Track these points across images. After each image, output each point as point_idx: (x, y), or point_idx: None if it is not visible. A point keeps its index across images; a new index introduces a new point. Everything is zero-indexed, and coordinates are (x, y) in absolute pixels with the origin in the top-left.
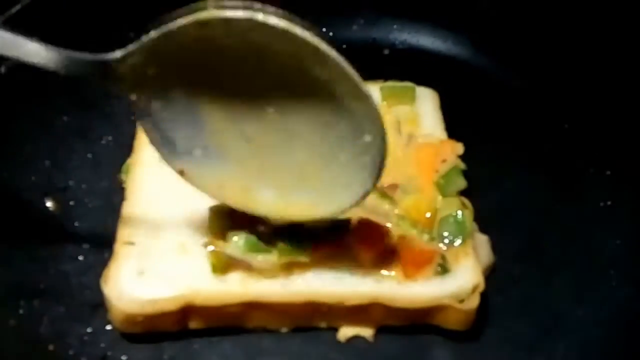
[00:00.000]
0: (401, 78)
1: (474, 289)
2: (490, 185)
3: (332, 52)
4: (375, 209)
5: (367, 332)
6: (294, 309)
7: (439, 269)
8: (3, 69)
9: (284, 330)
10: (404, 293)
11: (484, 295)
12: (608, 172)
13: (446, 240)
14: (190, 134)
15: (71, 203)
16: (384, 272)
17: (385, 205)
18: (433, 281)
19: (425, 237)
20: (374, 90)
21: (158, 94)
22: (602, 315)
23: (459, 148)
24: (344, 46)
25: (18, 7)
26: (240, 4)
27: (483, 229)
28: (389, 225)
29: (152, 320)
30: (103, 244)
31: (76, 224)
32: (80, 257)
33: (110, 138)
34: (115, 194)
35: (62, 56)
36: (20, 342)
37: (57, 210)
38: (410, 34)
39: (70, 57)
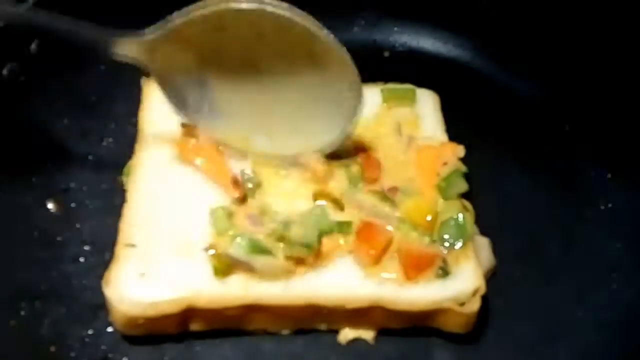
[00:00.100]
0: (401, 80)
1: (475, 292)
2: (491, 188)
3: (324, 33)
4: (376, 211)
5: (367, 335)
6: (294, 312)
7: (440, 271)
8: (5, 72)
9: (285, 332)
10: (405, 296)
11: (484, 298)
12: (609, 175)
13: (447, 243)
14: (200, 95)
15: (72, 205)
16: (384, 274)
17: (386, 208)
18: (434, 284)
19: (426, 240)
20: (374, 92)
21: (174, 65)
22: (602, 317)
23: (460, 151)
24: (345, 48)
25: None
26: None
27: (484, 232)
28: (389, 228)
29: (153, 322)
30: (104, 246)
31: (77, 225)
32: (82, 259)
33: (111, 140)
34: (116, 196)
35: (97, 31)
36: (21, 344)
37: (59, 212)
38: (410, 36)
39: (103, 32)
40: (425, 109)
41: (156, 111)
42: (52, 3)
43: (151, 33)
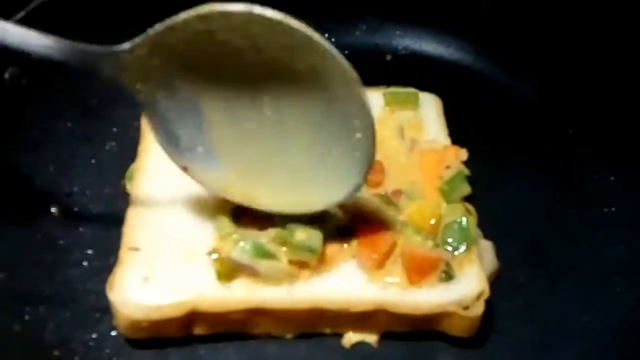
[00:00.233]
0: (404, 84)
1: (479, 295)
2: (494, 191)
3: (325, 43)
4: (379, 215)
5: (371, 338)
6: (298, 316)
7: (444, 275)
8: (7, 75)
9: (289, 336)
10: (409, 300)
11: (488, 302)
12: (612, 178)
13: (450, 247)
14: (193, 131)
15: (75, 209)
16: (388, 278)
17: (390, 212)
18: (437, 288)
19: (430, 243)
20: (377, 96)
21: (162, 85)
22: (606, 321)
23: (463, 154)
24: (347, 52)
25: (22, 13)
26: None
27: (487, 235)
28: (393, 231)
29: (157, 326)
30: (108, 250)
31: (81, 229)
32: (85, 263)
33: (114, 144)
34: (119, 200)
35: (72, 48)
36: (25, 348)
37: (62, 216)
38: (412, 40)
39: (80, 49)
40: (428, 113)
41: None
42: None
43: (130, 44)
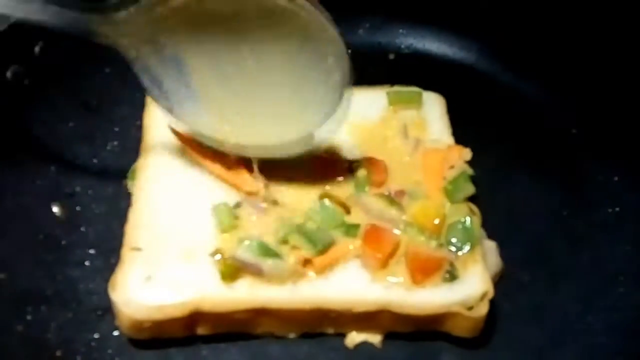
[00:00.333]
0: (407, 83)
1: (483, 296)
2: (498, 191)
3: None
4: (382, 215)
5: (375, 339)
6: (301, 316)
7: (447, 275)
8: (9, 74)
9: (292, 336)
10: (412, 300)
11: (492, 302)
12: (616, 178)
13: (454, 247)
14: (176, 76)
15: (77, 209)
16: (392, 278)
17: (393, 212)
18: (441, 288)
19: (433, 243)
20: (380, 95)
21: (150, 44)
22: (610, 321)
23: (467, 154)
24: (349, 50)
25: None
26: None
27: (491, 235)
28: (396, 231)
29: (160, 326)
30: (110, 250)
31: (83, 229)
32: (87, 263)
33: (116, 143)
34: (121, 200)
35: (68, 14)
36: (27, 348)
37: (64, 216)
38: (416, 39)
39: (79, 17)
40: (432, 112)
41: (161, 113)
42: None
43: (127, 13)
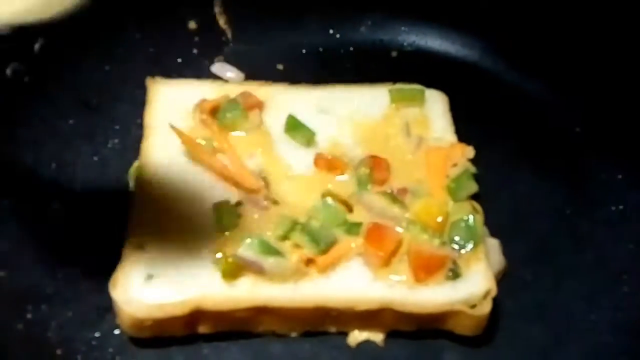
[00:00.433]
0: (409, 80)
1: (486, 294)
2: (501, 189)
3: None
4: (385, 213)
5: (377, 337)
6: (303, 314)
7: (450, 274)
8: (8, 72)
9: (294, 335)
10: (415, 298)
11: (495, 300)
12: (620, 176)
13: (457, 245)
14: None
15: (78, 207)
16: (394, 277)
17: (396, 210)
18: (444, 286)
19: (436, 241)
20: (383, 92)
21: None
22: (614, 319)
23: (470, 151)
24: (352, 48)
25: None
26: None
27: (494, 233)
28: (399, 229)
29: (161, 325)
30: (111, 248)
31: (83, 227)
32: (88, 261)
33: (116, 141)
34: (122, 198)
35: None
36: (27, 347)
37: (64, 214)
38: (418, 36)
39: None
40: (434, 110)
41: (161, 111)
42: None
43: None
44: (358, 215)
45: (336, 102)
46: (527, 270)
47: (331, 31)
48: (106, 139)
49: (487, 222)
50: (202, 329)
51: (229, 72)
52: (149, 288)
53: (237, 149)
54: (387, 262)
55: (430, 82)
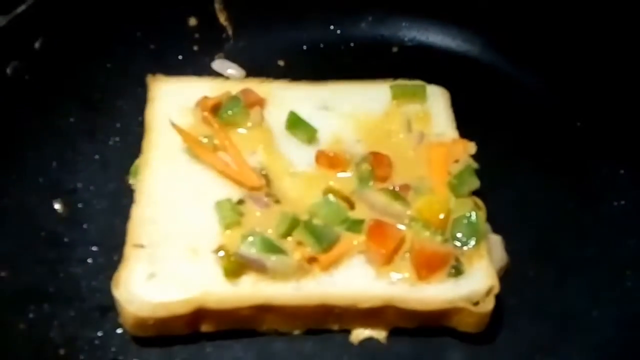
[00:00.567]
0: (410, 76)
1: (489, 291)
2: (503, 185)
3: None
4: (387, 210)
5: (380, 335)
6: (306, 312)
7: (453, 270)
8: (9, 70)
9: (296, 332)
10: (417, 295)
11: (497, 297)
12: (622, 171)
13: (459, 242)
14: None
15: (79, 205)
16: (397, 274)
17: (398, 207)
18: (446, 283)
19: (439, 238)
20: (384, 89)
21: None
22: (617, 316)
23: (471, 147)
24: (352, 44)
25: (23, 7)
26: None
27: (496, 230)
28: (401, 226)
29: (163, 324)
30: (112, 247)
31: (85, 226)
32: (90, 260)
33: (117, 139)
34: (123, 196)
35: None
36: (30, 347)
37: (65, 213)
38: (419, 31)
39: None
40: (436, 106)
41: (163, 109)
42: None
43: None
44: (360, 212)
45: (337, 98)
46: (529, 266)
47: (332, 27)
48: (107, 136)
49: (490, 219)
50: (205, 328)
51: (230, 69)
52: (151, 287)
53: (238, 146)
54: (389, 259)
55: (432, 78)
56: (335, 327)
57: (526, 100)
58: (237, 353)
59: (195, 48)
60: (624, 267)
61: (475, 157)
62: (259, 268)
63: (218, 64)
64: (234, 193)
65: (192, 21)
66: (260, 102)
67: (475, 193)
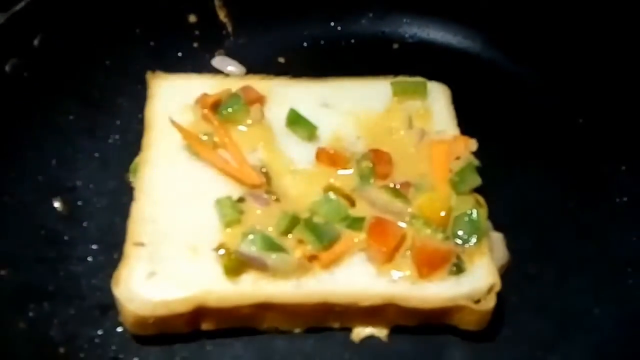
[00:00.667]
0: (411, 72)
1: (490, 289)
2: (504, 182)
3: None
4: (388, 207)
5: (381, 333)
6: (307, 310)
7: (454, 268)
8: (8, 68)
9: (297, 331)
10: (418, 293)
11: (499, 294)
12: (623, 168)
13: (461, 240)
14: None
15: (79, 203)
16: (397, 272)
17: (398, 204)
18: (448, 281)
19: (440, 236)
20: (385, 85)
21: None
22: (619, 313)
23: (473, 144)
24: (353, 40)
25: (22, 4)
26: None
27: (497, 227)
28: (402, 224)
29: (164, 322)
30: (112, 245)
31: (85, 224)
32: (90, 258)
33: (117, 137)
34: (123, 194)
35: None
36: (30, 345)
37: (65, 211)
38: (420, 28)
39: None
40: (437, 103)
41: (163, 107)
42: None
43: None
44: (360, 209)
45: (338, 95)
46: (531, 263)
47: (332, 24)
48: (107, 134)
49: (491, 216)
50: (205, 326)
51: (230, 66)
52: (151, 285)
53: (238, 143)
54: (390, 257)
55: (432, 75)
56: (336, 325)
57: (527, 97)
58: (237, 351)
59: (195, 45)
60: (625, 264)
61: (476, 154)
62: (260, 266)
63: (218, 61)
64: (234, 191)
65: (192, 18)
66: (260, 100)
67: (477, 190)
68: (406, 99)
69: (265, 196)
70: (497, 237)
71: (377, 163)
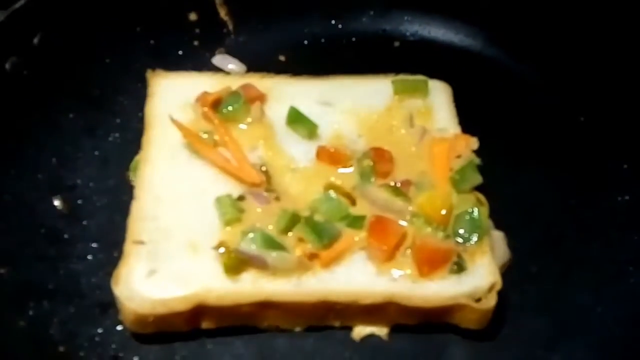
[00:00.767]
0: (412, 70)
1: (491, 287)
2: (506, 180)
3: None
4: (388, 206)
5: (381, 331)
6: (307, 309)
7: (455, 267)
8: (8, 66)
9: (298, 329)
10: (419, 292)
11: (500, 293)
12: (625, 166)
13: (462, 238)
14: None
15: (79, 202)
16: (398, 270)
17: (399, 202)
18: (449, 280)
19: (441, 234)
20: (386, 83)
21: None
22: (621, 312)
23: (474, 142)
24: (354, 38)
25: (22, 2)
26: None
27: (498, 225)
28: (403, 222)
29: (164, 320)
30: (112, 243)
31: (85, 222)
32: (90, 257)
33: (117, 135)
34: (123, 192)
35: None
36: (30, 344)
37: (65, 209)
38: (421, 26)
39: None
40: (438, 101)
41: (163, 105)
42: None
43: None
44: (361, 208)
45: (339, 93)
46: (532, 262)
47: (333, 22)
48: (107, 132)
49: (492, 214)
50: (206, 325)
51: (231, 64)
52: (151, 283)
53: (238, 141)
54: (390, 255)
55: (434, 73)
56: (337, 323)
57: (529, 95)
58: (237, 350)
59: (196, 43)
60: (627, 263)
61: (477, 152)
62: (260, 264)
63: (218, 59)
64: (235, 189)
65: (192, 16)
66: (260, 98)
67: (478, 189)
68: (407, 97)
69: (266, 194)
70: (498, 236)
71: (377, 161)
